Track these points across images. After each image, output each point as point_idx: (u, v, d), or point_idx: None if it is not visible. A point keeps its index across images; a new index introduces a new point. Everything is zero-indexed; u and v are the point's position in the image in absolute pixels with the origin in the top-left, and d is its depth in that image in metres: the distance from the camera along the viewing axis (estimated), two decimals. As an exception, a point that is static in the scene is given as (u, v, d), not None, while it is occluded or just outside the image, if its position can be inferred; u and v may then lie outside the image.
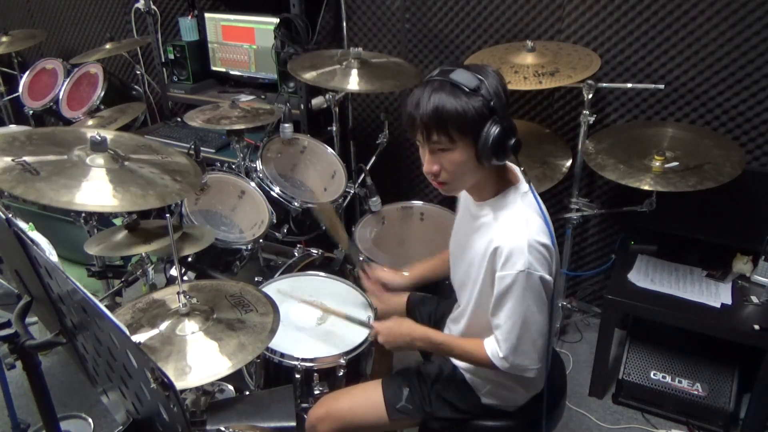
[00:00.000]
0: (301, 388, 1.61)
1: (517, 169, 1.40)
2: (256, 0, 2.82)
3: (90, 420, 2.23)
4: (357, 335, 1.66)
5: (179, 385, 1.15)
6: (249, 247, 2.06)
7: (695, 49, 2.21)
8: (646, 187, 1.95)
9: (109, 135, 1.39)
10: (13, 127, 3.04)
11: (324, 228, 2.10)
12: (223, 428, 1.40)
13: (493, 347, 1.36)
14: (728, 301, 2.09)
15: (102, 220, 2.36)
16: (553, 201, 2.62)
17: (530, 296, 1.28)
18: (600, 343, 2.29)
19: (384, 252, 2.14)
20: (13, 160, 1.21)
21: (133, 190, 1.27)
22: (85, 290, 0.90)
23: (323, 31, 2.80)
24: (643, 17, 2.25)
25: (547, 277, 1.28)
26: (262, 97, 2.88)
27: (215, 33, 2.98)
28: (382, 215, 2.34)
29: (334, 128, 2.53)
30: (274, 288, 1.83)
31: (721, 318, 2.03)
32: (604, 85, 2.25)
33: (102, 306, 0.87)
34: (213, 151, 2.74)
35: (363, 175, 2.33)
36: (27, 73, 3.21)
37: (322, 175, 2.42)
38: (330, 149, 2.45)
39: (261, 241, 2.09)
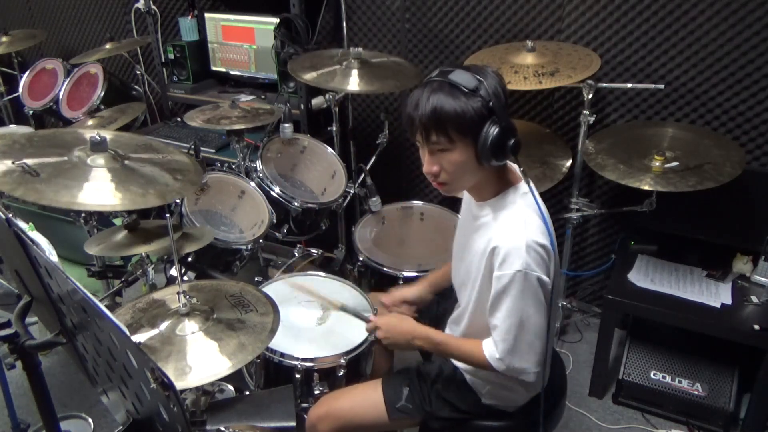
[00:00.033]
0: (301, 388, 1.61)
1: (517, 170, 1.40)
2: (256, 0, 2.82)
3: (90, 420, 2.23)
4: (357, 335, 1.66)
5: (179, 385, 1.15)
6: (249, 247, 2.06)
7: (695, 49, 2.21)
8: (646, 187, 1.95)
9: (108, 135, 1.39)
10: (13, 127, 3.04)
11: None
12: (223, 428, 1.40)
13: (490, 349, 1.36)
14: (728, 301, 2.09)
15: (102, 220, 2.36)
16: (553, 201, 2.62)
17: (528, 297, 1.28)
18: (600, 343, 2.29)
19: (384, 252, 2.14)
20: (13, 162, 1.21)
21: (134, 189, 1.27)
22: (85, 290, 0.90)
23: (323, 31, 2.80)
24: (643, 17, 2.25)
25: (545, 278, 1.28)
26: (262, 97, 2.88)
27: (215, 33, 2.98)
28: (382, 215, 2.34)
29: (334, 128, 2.53)
30: (281, 284, 1.83)
31: (721, 318, 2.03)
32: (604, 85, 2.25)
33: (102, 306, 0.87)
34: (213, 151, 2.74)
35: (363, 175, 2.33)
36: (27, 73, 3.20)
37: (322, 175, 2.42)
38: (330, 149, 2.45)
39: (261, 241, 2.09)
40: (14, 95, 3.27)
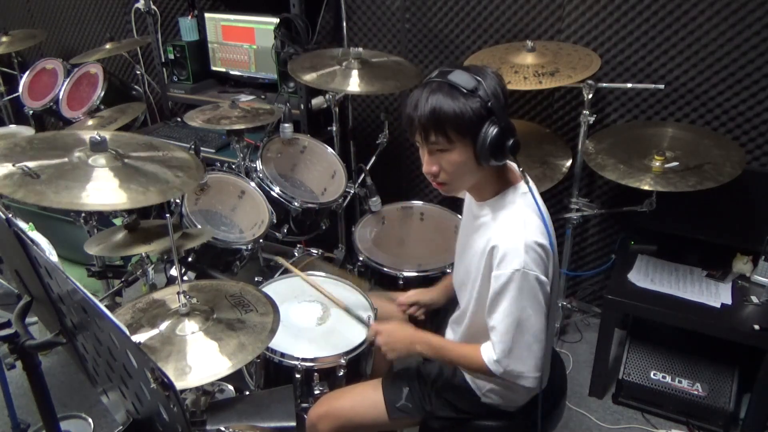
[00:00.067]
0: (301, 388, 1.61)
1: (517, 169, 1.40)
2: (256, 0, 2.82)
3: (90, 420, 2.23)
4: (357, 335, 1.66)
5: (179, 385, 1.15)
6: (249, 247, 2.06)
7: (695, 49, 2.21)
8: (646, 187, 1.95)
9: (107, 135, 1.39)
10: (13, 127, 3.04)
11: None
12: (223, 428, 1.40)
13: (488, 351, 1.35)
14: (728, 301, 2.09)
15: (102, 220, 2.37)
16: (553, 201, 2.62)
17: (526, 297, 1.28)
18: (600, 343, 2.29)
19: (384, 252, 2.14)
20: (13, 165, 1.22)
21: (137, 186, 1.28)
22: (85, 290, 0.90)
23: (323, 31, 2.80)
24: (643, 17, 2.25)
25: (543, 277, 1.28)
26: (262, 97, 2.88)
27: (215, 33, 2.98)
28: (382, 215, 2.34)
29: (334, 128, 2.53)
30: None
31: (721, 318, 2.03)
32: (604, 85, 2.25)
33: (102, 306, 0.87)
34: (213, 151, 2.74)
35: (363, 175, 2.33)
36: (27, 73, 3.20)
37: (322, 175, 2.42)
38: (330, 149, 2.45)
39: (261, 241, 2.09)
40: (14, 95, 3.27)
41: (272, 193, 2.15)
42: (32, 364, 1.13)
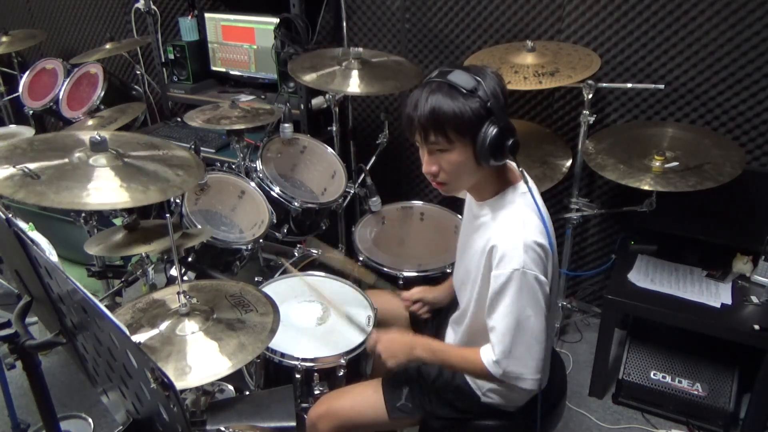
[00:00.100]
0: (301, 388, 1.61)
1: (517, 169, 1.40)
2: (256, 0, 2.82)
3: (90, 420, 2.23)
4: (357, 335, 1.66)
5: (179, 385, 1.15)
6: (249, 247, 2.06)
7: (695, 49, 2.21)
8: (646, 187, 1.95)
9: (107, 135, 1.39)
10: (13, 127, 3.04)
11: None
12: (223, 428, 1.40)
13: (487, 353, 1.35)
14: (728, 301, 2.09)
15: (102, 220, 2.36)
16: (553, 201, 2.62)
17: (525, 297, 1.27)
18: (600, 343, 2.29)
19: (384, 252, 2.14)
20: (13, 166, 1.22)
21: (137, 186, 1.28)
22: (85, 290, 0.90)
23: (323, 31, 2.80)
24: (643, 17, 2.25)
25: (542, 277, 1.28)
26: (262, 97, 2.88)
27: (215, 33, 2.98)
28: (382, 215, 2.34)
29: (334, 128, 2.53)
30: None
31: (721, 318, 2.03)
32: (604, 85, 2.25)
33: (102, 306, 0.87)
34: (213, 151, 2.74)
35: (363, 175, 2.33)
36: (27, 73, 3.20)
37: (322, 175, 2.42)
38: (330, 149, 2.45)
39: (261, 241, 2.09)
40: (14, 95, 3.27)
41: (272, 193, 2.15)
42: (32, 364, 1.13)
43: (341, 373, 1.62)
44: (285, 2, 2.56)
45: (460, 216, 2.22)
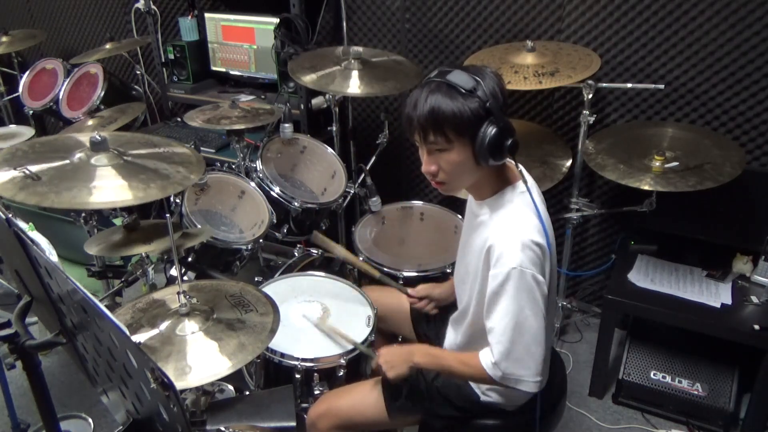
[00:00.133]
0: (301, 388, 1.61)
1: (516, 168, 1.40)
2: (256, 0, 2.82)
3: (90, 420, 2.23)
4: (357, 335, 1.66)
5: (179, 385, 1.15)
6: (249, 247, 2.06)
7: (695, 49, 2.21)
8: (646, 187, 1.95)
9: (107, 135, 1.39)
10: (13, 128, 3.04)
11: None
12: (223, 428, 1.40)
13: (486, 355, 1.35)
14: (728, 301, 2.09)
15: (102, 220, 2.36)
16: (553, 201, 2.62)
17: (523, 296, 1.27)
18: (600, 343, 2.29)
19: (384, 252, 2.14)
20: (15, 168, 1.22)
21: (138, 184, 1.28)
22: (85, 290, 0.90)
23: (323, 31, 2.80)
24: (643, 17, 2.25)
25: (540, 276, 1.28)
26: (262, 97, 2.88)
27: (215, 33, 2.98)
28: (382, 215, 2.34)
29: (334, 128, 2.53)
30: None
31: (721, 318, 2.03)
32: (604, 85, 2.25)
33: (102, 306, 0.87)
34: (213, 151, 2.74)
35: (363, 175, 2.33)
36: (27, 73, 3.20)
37: (322, 175, 2.42)
38: (330, 149, 2.45)
39: (261, 241, 2.09)
40: (14, 95, 3.27)
41: (272, 193, 2.15)
42: (32, 364, 1.13)
43: (341, 373, 1.62)
44: (285, 2, 2.56)
45: (460, 216, 2.22)
